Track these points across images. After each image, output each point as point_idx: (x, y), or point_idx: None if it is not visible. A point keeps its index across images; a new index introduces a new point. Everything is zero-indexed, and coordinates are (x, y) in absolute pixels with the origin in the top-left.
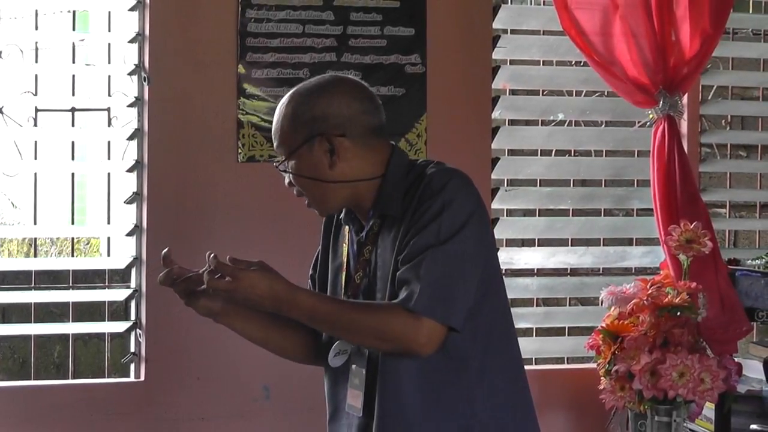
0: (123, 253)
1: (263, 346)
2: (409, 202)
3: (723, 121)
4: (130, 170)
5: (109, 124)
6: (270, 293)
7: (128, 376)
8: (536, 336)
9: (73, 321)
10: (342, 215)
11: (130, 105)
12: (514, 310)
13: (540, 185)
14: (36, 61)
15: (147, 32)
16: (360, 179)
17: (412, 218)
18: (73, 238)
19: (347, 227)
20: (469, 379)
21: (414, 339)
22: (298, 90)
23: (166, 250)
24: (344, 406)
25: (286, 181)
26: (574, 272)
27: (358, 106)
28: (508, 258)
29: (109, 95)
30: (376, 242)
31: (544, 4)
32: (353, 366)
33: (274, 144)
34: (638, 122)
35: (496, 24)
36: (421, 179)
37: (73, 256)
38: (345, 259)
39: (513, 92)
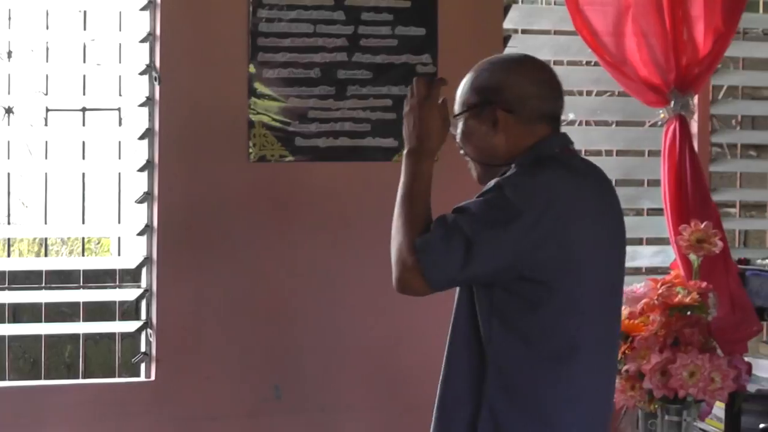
0: (134, 252)
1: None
2: None
3: (733, 120)
4: (141, 170)
5: (120, 123)
6: (409, 135)
7: (139, 375)
8: None
9: (83, 321)
10: None
11: (141, 105)
12: None
13: None
14: (47, 61)
15: (158, 32)
16: (515, 158)
17: None
18: (83, 238)
19: None
20: (486, 369)
21: (399, 265)
22: (491, 59)
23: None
24: None
25: (458, 138)
26: None
27: (535, 89)
28: None
29: (120, 95)
30: None
31: (555, 4)
32: None
33: (455, 102)
34: (649, 122)
35: (507, 24)
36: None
37: (83, 255)
38: None
39: None
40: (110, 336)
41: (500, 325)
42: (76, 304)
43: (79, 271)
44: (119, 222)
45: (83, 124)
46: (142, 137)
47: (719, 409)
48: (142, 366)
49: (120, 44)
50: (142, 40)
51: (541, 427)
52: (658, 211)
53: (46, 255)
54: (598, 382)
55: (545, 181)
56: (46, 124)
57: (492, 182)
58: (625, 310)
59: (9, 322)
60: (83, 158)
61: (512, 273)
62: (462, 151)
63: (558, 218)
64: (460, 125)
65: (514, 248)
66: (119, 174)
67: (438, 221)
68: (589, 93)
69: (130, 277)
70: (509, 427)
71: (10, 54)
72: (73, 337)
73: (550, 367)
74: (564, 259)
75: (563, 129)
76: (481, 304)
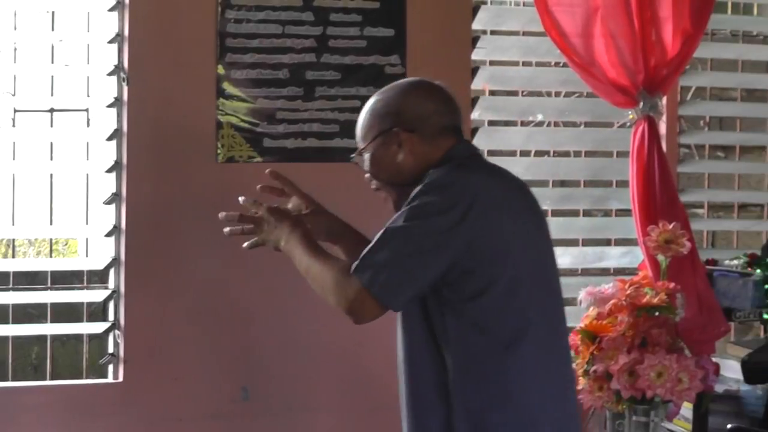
0: (101, 253)
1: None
2: None
3: (701, 121)
4: (109, 171)
5: (88, 124)
6: (278, 234)
7: (106, 377)
8: None
9: (51, 322)
10: None
11: (109, 106)
12: None
13: None
14: (14, 62)
15: (126, 33)
16: (422, 174)
17: None
18: (51, 239)
19: None
20: (447, 375)
21: (345, 301)
22: (383, 89)
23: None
24: None
25: (366, 176)
26: None
27: (433, 105)
28: None
29: (88, 96)
30: None
31: (523, 5)
32: None
33: (357, 139)
34: (617, 123)
35: (476, 25)
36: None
37: (51, 256)
38: None
39: (492, 93)
40: (78, 337)
41: (454, 319)
42: (44, 305)
43: (47, 272)
44: (87, 223)
45: (51, 125)
46: (110, 138)
47: (687, 409)
48: (110, 367)
49: (88, 45)
50: (111, 41)
51: (514, 411)
52: (626, 212)
53: (13, 256)
54: (551, 359)
55: (466, 177)
56: (13, 125)
57: (414, 191)
58: (593, 311)
59: None
60: (51, 159)
61: (457, 268)
62: (373, 184)
63: (486, 207)
64: (368, 157)
65: (453, 244)
66: (87, 175)
67: (376, 244)
68: (557, 94)
69: (98, 278)
70: (486, 420)
71: None
72: (41, 339)
73: (509, 351)
74: (499, 244)
75: (531, 129)
76: (431, 305)
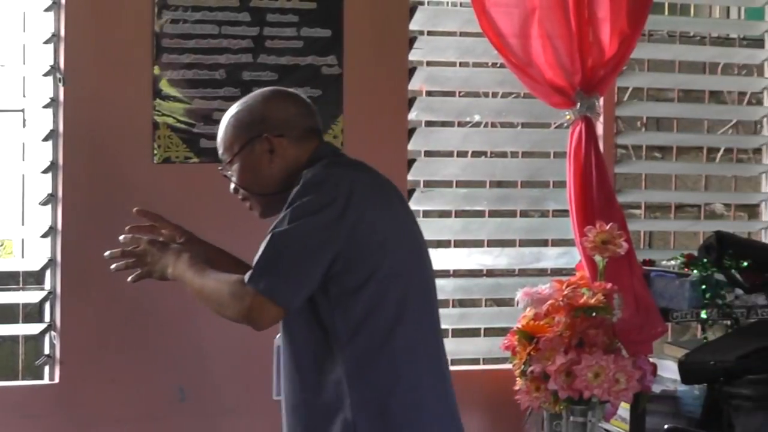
0: (37, 254)
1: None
2: None
3: (638, 122)
4: (45, 171)
5: (24, 125)
6: (161, 263)
7: (42, 378)
8: (452, 337)
9: None
10: None
11: (45, 106)
12: None
13: (456, 186)
14: None
15: (62, 33)
16: (293, 178)
17: None
18: None
19: None
20: (340, 371)
21: (245, 310)
22: (240, 101)
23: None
24: None
25: (231, 187)
26: (490, 273)
27: (294, 109)
28: None
29: (24, 96)
30: None
31: (461, 6)
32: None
33: (219, 153)
34: (554, 124)
35: (413, 25)
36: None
37: None
38: None
39: (429, 94)
40: (13, 338)
41: (342, 313)
42: None
43: None
44: (23, 224)
45: None
46: (46, 139)
47: (624, 409)
48: (46, 369)
49: (24, 45)
50: (47, 41)
51: (403, 397)
52: (563, 213)
53: None
54: (431, 352)
55: (339, 173)
56: None
57: (292, 193)
58: (530, 312)
59: None
60: None
61: (340, 260)
62: (240, 195)
63: (362, 200)
64: (236, 168)
65: (336, 238)
66: (23, 176)
67: (266, 249)
68: (494, 95)
69: (34, 279)
70: (385, 408)
71: None
72: None
73: (393, 341)
74: (377, 236)
75: (468, 130)
76: (320, 302)
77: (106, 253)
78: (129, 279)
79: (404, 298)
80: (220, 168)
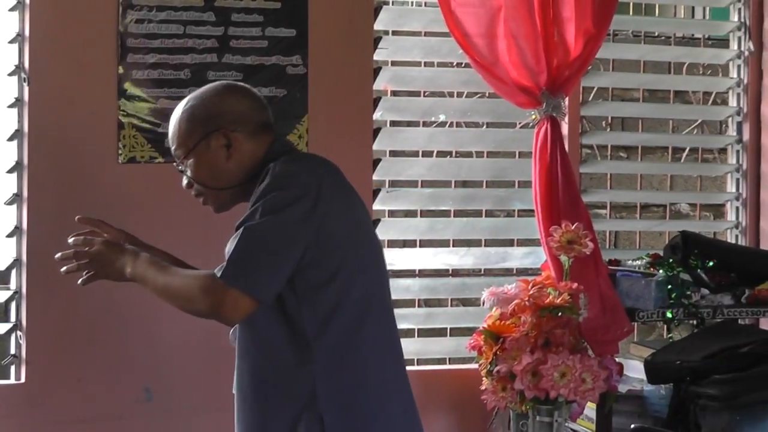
0: (3, 254)
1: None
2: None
3: (603, 122)
4: (10, 171)
5: None
6: (112, 264)
7: (8, 378)
8: (418, 337)
9: None
10: None
11: (10, 106)
12: (395, 311)
13: (421, 186)
14: None
15: (27, 33)
16: (252, 173)
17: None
18: None
19: None
20: (308, 360)
21: (218, 304)
22: (191, 95)
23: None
24: None
25: (185, 182)
26: (456, 273)
27: (248, 103)
28: (389, 259)
29: None
30: None
31: (425, 6)
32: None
33: (172, 148)
34: (519, 123)
35: (378, 25)
36: (267, 171)
37: None
38: None
39: (394, 93)
40: None
41: (310, 308)
42: None
43: None
44: None
45: None
46: (11, 139)
47: (590, 409)
48: (12, 368)
49: None
50: (11, 41)
51: (373, 393)
52: (529, 213)
53: None
54: (391, 347)
55: (309, 167)
56: None
57: (262, 186)
58: (496, 311)
59: None
60: None
61: (309, 254)
62: (194, 191)
63: (331, 194)
64: (191, 164)
65: (307, 232)
66: None
67: (239, 244)
68: (459, 94)
69: (0, 279)
70: (353, 404)
71: None
72: None
73: (359, 335)
74: (345, 229)
75: (433, 129)
76: (287, 296)
77: (57, 255)
78: (79, 281)
79: (368, 295)
80: (176, 165)
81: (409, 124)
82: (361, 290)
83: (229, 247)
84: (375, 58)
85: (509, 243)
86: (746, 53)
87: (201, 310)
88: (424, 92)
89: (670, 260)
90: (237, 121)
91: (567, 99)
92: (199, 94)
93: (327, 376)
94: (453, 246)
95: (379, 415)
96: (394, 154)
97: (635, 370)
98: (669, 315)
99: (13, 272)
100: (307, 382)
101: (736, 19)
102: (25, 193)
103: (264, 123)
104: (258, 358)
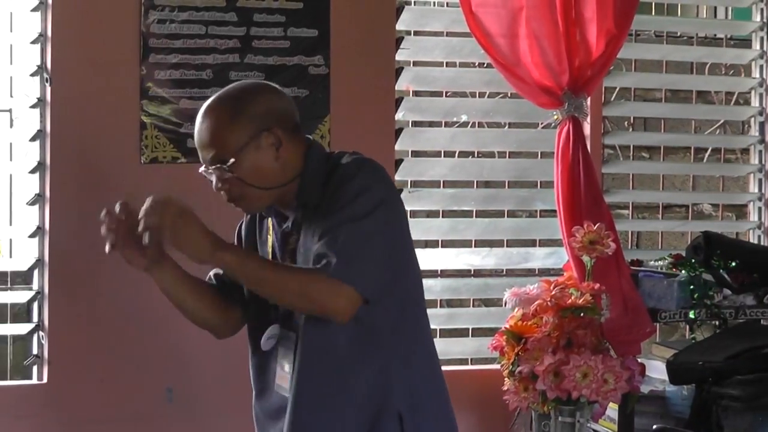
0: (25, 255)
1: (185, 312)
2: (329, 190)
3: (626, 122)
4: (32, 171)
5: (11, 125)
6: (200, 237)
7: (31, 378)
8: (440, 337)
9: None
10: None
11: (33, 106)
12: None
13: (443, 186)
14: None
15: (49, 33)
16: (296, 173)
17: (329, 204)
18: None
19: (270, 219)
20: (383, 360)
21: (334, 302)
22: (228, 95)
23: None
24: (274, 385)
25: (218, 184)
26: (478, 273)
27: (288, 101)
28: None
29: (11, 96)
30: (300, 231)
31: (447, 6)
32: (281, 349)
33: (206, 152)
34: (541, 124)
35: (400, 25)
36: (337, 168)
37: None
38: (271, 250)
39: (416, 94)
40: (1, 338)
41: (384, 314)
42: None
43: None
44: (10, 224)
45: None
46: (33, 139)
47: (612, 410)
48: (34, 369)
49: (11, 45)
50: (33, 41)
51: (441, 382)
52: (551, 213)
53: None
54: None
55: (377, 165)
56: None
57: (349, 185)
58: (518, 312)
59: None
60: None
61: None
62: (230, 193)
63: (395, 194)
64: (236, 165)
65: (402, 229)
66: (10, 176)
67: (348, 241)
68: (481, 95)
69: (22, 279)
70: (426, 401)
71: None
72: None
73: (422, 331)
74: (408, 228)
75: (455, 130)
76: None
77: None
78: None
79: (421, 292)
80: (211, 168)
81: (431, 124)
82: (418, 288)
83: (325, 247)
84: (397, 58)
85: (531, 243)
86: None
87: (313, 306)
88: (446, 92)
89: (693, 260)
90: (281, 119)
91: (589, 99)
92: (235, 93)
93: (399, 375)
94: (475, 246)
95: (440, 413)
96: (416, 154)
97: (657, 371)
98: (691, 315)
99: (36, 272)
100: (383, 383)
101: (758, 19)
102: (48, 194)
103: (298, 123)
104: (334, 359)
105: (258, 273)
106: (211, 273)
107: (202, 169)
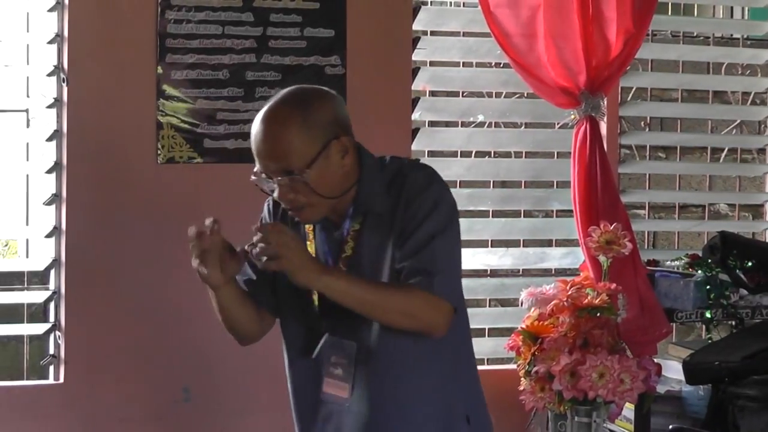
0: (42, 254)
1: (233, 322)
2: (396, 199)
3: (642, 122)
4: (49, 171)
5: (28, 125)
6: (310, 262)
7: (47, 378)
8: None
9: None
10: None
11: (49, 106)
12: None
13: (460, 186)
14: None
15: (66, 33)
16: (355, 180)
17: (405, 215)
18: None
19: (309, 226)
20: (450, 363)
21: (436, 319)
22: (294, 103)
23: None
24: (320, 393)
25: (281, 192)
26: (494, 273)
27: (345, 107)
28: None
29: (28, 96)
30: (358, 239)
31: (464, 6)
32: (333, 357)
33: (274, 162)
34: (558, 123)
35: (416, 25)
36: (401, 177)
37: None
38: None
39: (433, 94)
40: (18, 338)
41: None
42: None
43: None
44: (27, 224)
45: None
46: (50, 139)
47: (629, 410)
48: (51, 369)
49: (27, 45)
50: (50, 42)
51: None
52: (567, 213)
53: None
54: None
55: (440, 176)
56: None
57: (425, 194)
58: (534, 312)
59: None
60: None
61: None
62: (295, 203)
63: None
64: (309, 175)
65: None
66: (27, 176)
67: (438, 255)
68: (498, 95)
69: (38, 279)
70: (480, 405)
71: None
72: None
73: (469, 332)
74: None
75: (472, 130)
76: None
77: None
78: (261, 265)
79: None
80: (279, 178)
81: (447, 124)
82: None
83: (420, 262)
84: (414, 58)
85: (548, 243)
86: None
87: (416, 324)
88: (463, 92)
89: (709, 261)
90: (346, 126)
91: (606, 99)
92: (301, 101)
93: (462, 377)
94: (491, 246)
95: (487, 413)
96: (432, 154)
97: (674, 371)
98: (708, 315)
99: (52, 272)
100: (450, 387)
101: None
102: (64, 194)
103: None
104: (405, 367)
105: (363, 295)
106: (240, 279)
107: (258, 177)
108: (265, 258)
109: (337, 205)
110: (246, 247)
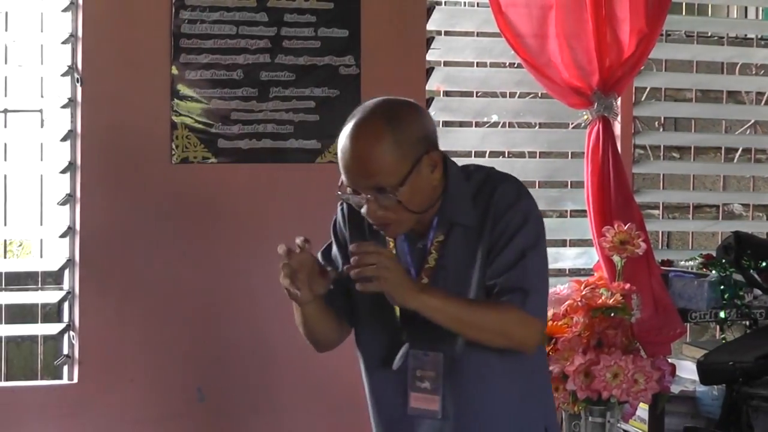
0: (56, 254)
1: (316, 333)
2: (483, 211)
3: (656, 122)
4: (63, 172)
5: (42, 125)
6: (407, 282)
7: (61, 378)
8: None
9: (5, 323)
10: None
11: (63, 106)
12: None
13: None
14: None
15: (80, 33)
16: (441, 192)
17: (494, 229)
18: (5, 240)
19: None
20: (530, 376)
21: (530, 338)
22: (384, 118)
23: (303, 240)
24: (407, 407)
25: (372, 211)
26: None
27: (432, 120)
28: None
29: (42, 96)
30: (442, 251)
31: (478, 6)
32: (417, 371)
33: (366, 179)
34: (572, 124)
35: (430, 25)
36: (488, 188)
37: (5, 258)
38: None
39: (447, 94)
40: (32, 338)
41: None
42: None
43: (1, 273)
44: (41, 224)
45: (5, 126)
46: (64, 139)
47: (643, 410)
48: (65, 369)
49: (42, 45)
50: (64, 42)
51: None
52: (581, 213)
53: None
54: None
55: (527, 189)
56: None
57: (514, 209)
58: (549, 312)
59: None
60: (5, 160)
61: None
62: (385, 218)
63: None
64: (404, 191)
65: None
66: (41, 176)
67: (530, 272)
68: (512, 95)
69: (53, 279)
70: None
71: None
72: None
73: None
74: None
75: (486, 130)
76: None
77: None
78: (359, 287)
79: None
80: (371, 195)
81: (461, 124)
82: None
83: (514, 278)
84: (427, 58)
85: (562, 243)
86: None
87: (509, 342)
88: (477, 92)
89: (723, 261)
90: (434, 140)
91: (619, 99)
92: (391, 116)
93: (538, 387)
94: None
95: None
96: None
97: (688, 371)
98: (722, 315)
99: (66, 272)
100: (530, 399)
101: None
102: (78, 194)
103: None
104: (492, 380)
105: (458, 313)
106: None
107: (344, 192)
108: (363, 278)
109: (422, 216)
110: (344, 269)
